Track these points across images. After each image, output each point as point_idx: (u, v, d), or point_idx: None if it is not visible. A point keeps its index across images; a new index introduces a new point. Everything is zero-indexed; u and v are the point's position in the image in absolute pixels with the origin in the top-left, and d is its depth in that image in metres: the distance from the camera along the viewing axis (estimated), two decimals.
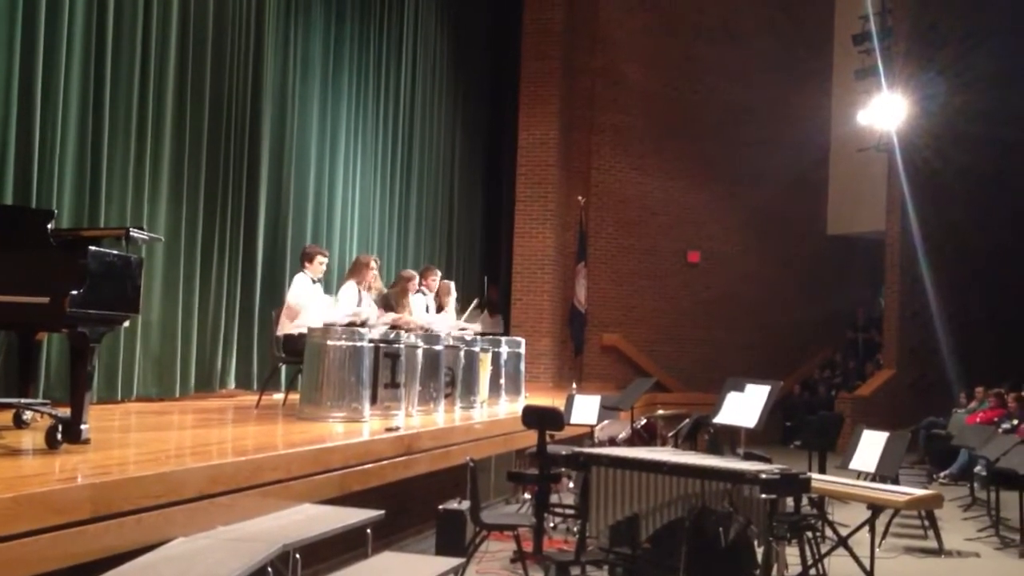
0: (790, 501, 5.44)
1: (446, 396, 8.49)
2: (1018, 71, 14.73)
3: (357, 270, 8.31)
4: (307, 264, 8.16)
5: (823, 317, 16.78)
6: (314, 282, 8.13)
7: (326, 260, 8.36)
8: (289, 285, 8.37)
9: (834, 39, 16.91)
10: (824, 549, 6.26)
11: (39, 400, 5.43)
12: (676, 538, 5.06)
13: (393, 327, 8.10)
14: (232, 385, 9.18)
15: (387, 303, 8.64)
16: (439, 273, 9.94)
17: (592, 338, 16.02)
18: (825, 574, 6.11)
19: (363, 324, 7.44)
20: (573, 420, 7.85)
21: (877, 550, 6.26)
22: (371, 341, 7.14)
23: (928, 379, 15.07)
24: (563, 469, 7.09)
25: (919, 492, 6.74)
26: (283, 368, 8.96)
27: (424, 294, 9.44)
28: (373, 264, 8.41)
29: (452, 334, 8.97)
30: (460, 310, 10.02)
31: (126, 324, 5.33)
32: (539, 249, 15.33)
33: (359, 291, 8.16)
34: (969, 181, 15.03)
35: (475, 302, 10.78)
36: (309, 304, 7.93)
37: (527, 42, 15.43)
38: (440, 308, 9.82)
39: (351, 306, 7.95)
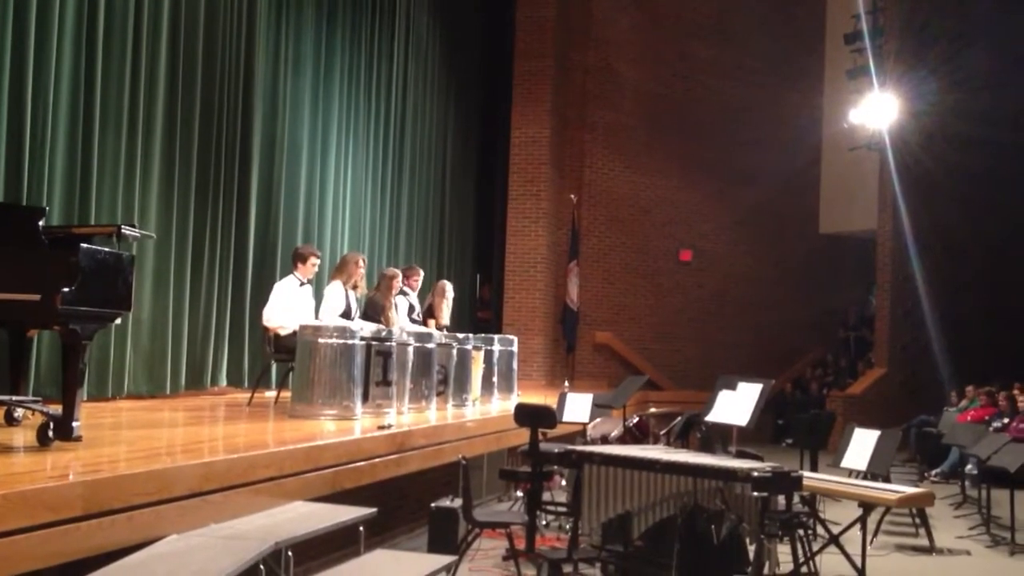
0: (782, 499, 5.46)
1: (438, 394, 8.46)
2: (1009, 70, 14.77)
3: (344, 268, 8.23)
4: (299, 265, 8.12)
5: (815, 315, 16.83)
6: (302, 284, 8.09)
7: (319, 261, 8.32)
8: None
9: (826, 38, 16.94)
10: (816, 547, 6.29)
11: (30, 397, 5.42)
12: (668, 536, 5.07)
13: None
14: (223, 382, 9.15)
15: (373, 304, 8.61)
16: (422, 272, 9.92)
17: (584, 336, 16.05)
18: (816, 572, 6.13)
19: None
20: (565, 418, 7.85)
21: (868, 548, 6.27)
22: (362, 339, 7.13)
23: (919, 378, 15.12)
24: (555, 467, 7.12)
25: (910, 490, 6.73)
26: (274, 365, 8.94)
27: (406, 294, 9.41)
28: (360, 263, 8.36)
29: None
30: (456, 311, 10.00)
31: (118, 321, 5.30)
32: (531, 247, 15.33)
33: (345, 290, 8.13)
34: (960, 180, 15.07)
35: None
36: (294, 309, 7.88)
37: (520, 40, 15.43)
38: (430, 308, 9.81)
39: (338, 306, 7.93)
